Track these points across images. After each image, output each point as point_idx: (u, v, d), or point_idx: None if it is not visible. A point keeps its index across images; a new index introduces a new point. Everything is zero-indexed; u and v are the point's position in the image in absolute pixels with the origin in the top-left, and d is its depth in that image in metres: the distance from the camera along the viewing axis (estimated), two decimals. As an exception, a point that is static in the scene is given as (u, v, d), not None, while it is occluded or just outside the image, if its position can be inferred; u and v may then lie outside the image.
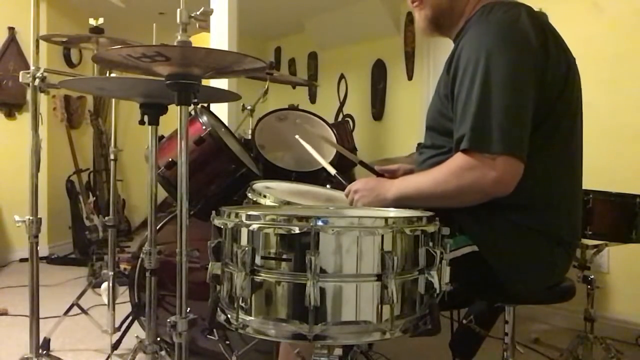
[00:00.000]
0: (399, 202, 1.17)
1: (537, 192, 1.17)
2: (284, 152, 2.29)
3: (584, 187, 1.32)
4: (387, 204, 1.19)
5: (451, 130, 1.18)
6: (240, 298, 0.88)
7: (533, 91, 1.12)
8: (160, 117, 1.61)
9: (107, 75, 1.94)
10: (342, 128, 2.87)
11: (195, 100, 1.21)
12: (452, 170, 1.12)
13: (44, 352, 2.04)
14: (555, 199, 1.22)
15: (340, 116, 4.58)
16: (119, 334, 2.14)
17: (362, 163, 1.58)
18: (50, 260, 3.98)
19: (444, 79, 1.24)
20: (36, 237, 1.67)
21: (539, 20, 1.19)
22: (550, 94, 1.15)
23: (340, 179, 1.43)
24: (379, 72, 4.26)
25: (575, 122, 1.24)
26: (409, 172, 1.50)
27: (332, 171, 1.48)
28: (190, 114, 1.82)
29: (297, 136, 1.69)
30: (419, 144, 1.43)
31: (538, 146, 1.13)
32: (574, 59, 1.24)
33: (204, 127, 1.80)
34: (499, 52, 1.11)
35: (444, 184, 1.13)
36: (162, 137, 1.87)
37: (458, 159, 1.12)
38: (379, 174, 1.50)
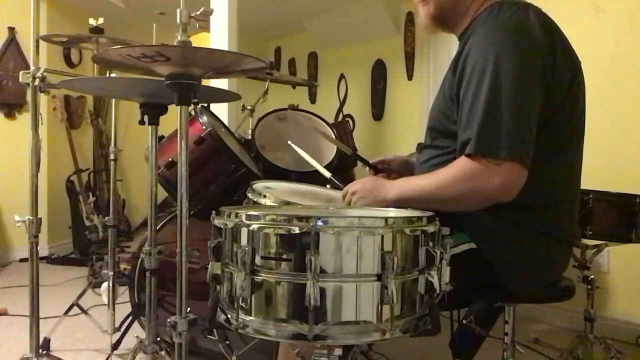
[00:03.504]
0: (399, 203, 1.16)
1: (537, 191, 1.17)
2: (284, 152, 2.29)
3: (584, 187, 1.32)
4: (386, 205, 1.18)
5: (454, 132, 1.17)
6: (240, 298, 0.88)
7: (539, 95, 1.11)
8: (160, 117, 1.61)
9: (107, 75, 1.94)
10: (342, 128, 2.87)
11: (195, 100, 1.21)
12: (456, 175, 1.11)
13: (44, 352, 2.03)
14: (555, 198, 1.22)
15: (340, 116, 4.58)
16: (119, 334, 2.14)
17: (355, 155, 1.57)
18: (50, 260, 3.98)
19: (449, 79, 1.23)
20: (36, 237, 1.67)
21: (548, 22, 1.18)
22: (555, 96, 1.15)
23: (336, 181, 1.42)
24: (379, 72, 4.26)
25: (578, 123, 1.24)
26: (404, 163, 1.51)
27: (327, 174, 1.47)
28: (190, 114, 1.82)
29: (289, 142, 1.69)
30: (418, 144, 1.42)
31: (540, 146, 1.13)
32: (580, 61, 1.23)
33: (204, 127, 1.80)
34: (507, 55, 1.09)
35: (447, 188, 1.12)
36: (162, 137, 1.87)
37: (462, 164, 1.11)
38: (373, 166, 1.50)
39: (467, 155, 1.10)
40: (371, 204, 1.20)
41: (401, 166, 1.51)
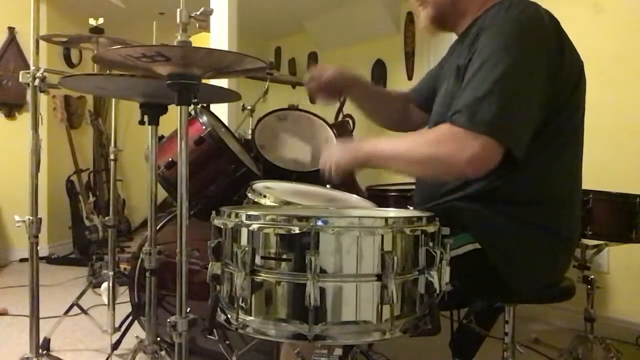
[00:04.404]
0: (372, 159, 1.18)
1: (539, 189, 1.18)
2: (284, 152, 2.29)
3: (584, 187, 1.32)
4: (360, 157, 1.19)
5: None
6: (240, 298, 0.87)
7: (542, 88, 1.11)
8: (160, 117, 1.61)
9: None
10: (342, 128, 2.87)
11: (195, 100, 1.21)
12: (433, 137, 1.13)
13: (44, 352, 2.04)
14: (557, 196, 1.22)
15: (340, 116, 4.57)
16: (119, 334, 2.14)
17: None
18: (50, 260, 3.98)
19: (454, 74, 1.23)
20: (36, 237, 1.67)
21: (557, 23, 1.18)
22: (561, 95, 1.15)
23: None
24: (379, 72, 4.26)
25: (580, 123, 1.25)
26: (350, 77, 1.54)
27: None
28: (190, 114, 1.82)
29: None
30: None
31: (542, 144, 1.13)
32: (582, 62, 1.24)
33: (204, 127, 1.80)
34: (514, 43, 1.09)
35: (418, 148, 1.12)
36: (162, 137, 1.87)
37: (442, 128, 1.11)
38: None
39: (450, 122, 1.09)
40: (348, 158, 1.20)
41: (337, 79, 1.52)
